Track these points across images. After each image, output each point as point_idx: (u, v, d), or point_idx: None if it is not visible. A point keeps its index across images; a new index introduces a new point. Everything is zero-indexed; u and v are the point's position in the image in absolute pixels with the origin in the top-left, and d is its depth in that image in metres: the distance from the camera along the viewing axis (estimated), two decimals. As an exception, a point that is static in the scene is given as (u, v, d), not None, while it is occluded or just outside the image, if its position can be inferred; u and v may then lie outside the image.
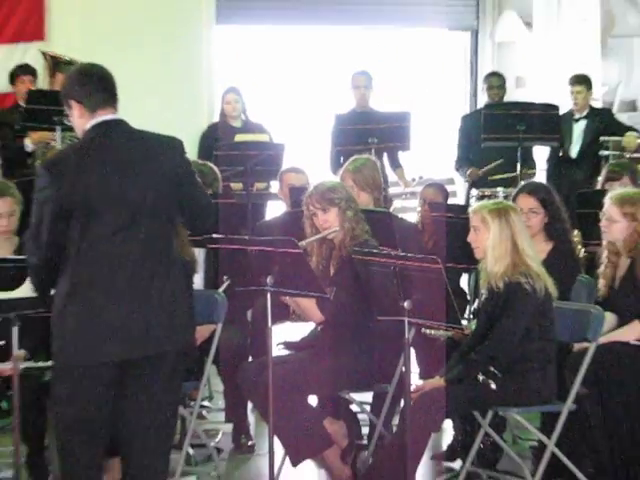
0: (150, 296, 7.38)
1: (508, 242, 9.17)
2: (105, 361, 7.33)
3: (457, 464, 9.86)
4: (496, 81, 18.05)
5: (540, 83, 20.74)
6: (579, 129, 17.00)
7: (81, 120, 7.56)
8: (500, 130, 15.95)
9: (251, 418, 10.89)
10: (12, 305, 8.02)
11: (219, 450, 10.62)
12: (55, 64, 15.17)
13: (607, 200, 10.08)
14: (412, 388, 9.29)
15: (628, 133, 16.97)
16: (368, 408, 10.34)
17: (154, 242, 7.49)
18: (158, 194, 7.44)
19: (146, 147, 7.61)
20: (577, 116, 17.18)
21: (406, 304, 8.74)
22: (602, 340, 9.43)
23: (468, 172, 15.85)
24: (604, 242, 10.07)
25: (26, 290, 7.84)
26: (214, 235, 9.85)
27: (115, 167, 7.38)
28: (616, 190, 10.75)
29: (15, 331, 8.28)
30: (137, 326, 7.32)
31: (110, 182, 7.32)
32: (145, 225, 7.41)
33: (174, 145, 7.58)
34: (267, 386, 9.15)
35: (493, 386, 9.06)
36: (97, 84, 7.62)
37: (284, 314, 9.77)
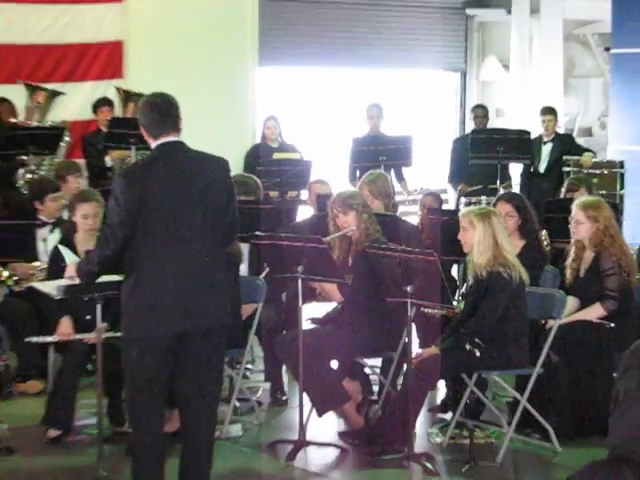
0: (200, 284, 7.65)
1: (490, 239, 9.29)
2: (164, 334, 7.57)
3: (448, 415, 9.94)
4: (481, 112, 18.21)
5: (516, 113, 20.81)
6: (546, 150, 17.05)
7: (149, 140, 7.78)
8: (483, 150, 16.03)
9: (285, 378, 10.95)
10: (96, 287, 8.09)
11: (260, 403, 10.72)
12: (127, 96, 15.28)
13: (574, 206, 10.21)
14: (413, 355, 9.44)
15: (585, 153, 17.19)
16: (378, 371, 10.43)
17: (204, 240, 7.70)
18: (208, 201, 7.68)
19: (199, 164, 7.81)
20: (545, 139, 17.22)
21: (409, 288, 8.95)
22: (571, 319, 9.76)
23: (459, 188, 16.02)
24: (572, 240, 10.19)
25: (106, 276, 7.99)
26: (257, 233, 10.07)
27: (173, 179, 7.60)
28: (581, 198, 10.97)
29: (99, 308, 8.35)
30: (190, 307, 7.59)
31: (168, 190, 7.54)
32: (198, 229, 7.65)
33: (223, 166, 7.78)
34: (298, 353, 9.34)
35: (478, 354, 9.19)
36: (160, 113, 7.80)
37: (311, 295, 9.88)
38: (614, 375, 9.64)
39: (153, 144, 7.78)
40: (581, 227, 10.01)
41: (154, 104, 7.87)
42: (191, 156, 7.84)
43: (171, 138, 7.73)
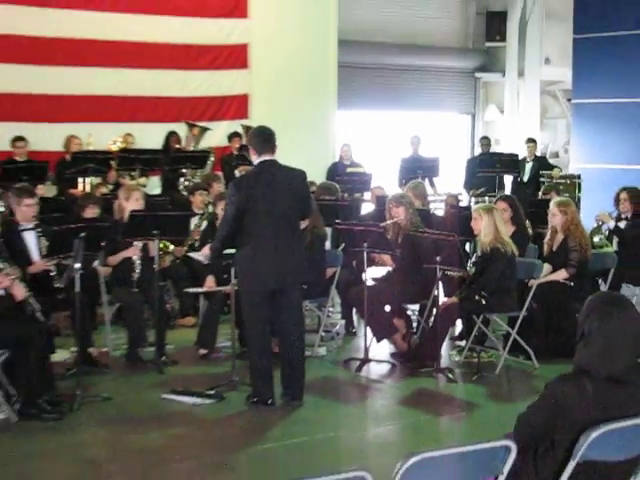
0: (287, 254, 7.95)
1: (492, 226, 9.26)
2: (265, 288, 7.92)
3: (463, 343, 9.88)
4: (485, 141, 18.16)
5: (508, 143, 20.71)
6: (529, 167, 16.99)
7: (253, 157, 8.05)
8: (487, 167, 15.92)
9: (354, 317, 10.92)
10: (230, 256, 8.10)
11: (338, 334, 10.76)
12: (248, 130, 15.27)
13: (551, 203, 10.28)
14: (440, 302, 9.40)
15: (555, 169, 17.30)
16: (417, 313, 10.39)
17: (290, 226, 8.05)
18: (291, 201, 8.01)
19: (285, 174, 8.10)
20: (528, 160, 17.15)
21: (437, 258, 8.92)
22: (546, 279, 9.71)
23: (471, 192, 15.91)
24: (550, 226, 10.12)
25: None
26: (337, 221, 10.17)
27: (268, 184, 7.93)
28: (556, 198, 11.23)
29: (232, 270, 8.36)
30: (281, 270, 7.92)
31: (266, 194, 7.87)
32: (285, 218, 7.96)
33: (301, 175, 8.17)
34: (363, 300, 9.36)
35: (483, 302, 9.17)
36: (263, 139, 8.04)
37: (372, 262, 9.86)
38: (576, 316, 9.60)
39: (256, 160, 8.13)
40: (555, 218, 9.96)
41: (260, 133, 8.24)
42: (280, 168, 8.12)
43: (268, 157, 8.03)
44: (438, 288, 9.44)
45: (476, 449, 4.15)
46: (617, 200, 11.66)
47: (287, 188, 8.03)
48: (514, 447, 4.15)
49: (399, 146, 17.61)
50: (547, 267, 9.81)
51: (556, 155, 21.58)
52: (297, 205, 8.12)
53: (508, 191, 15.30)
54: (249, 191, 7.91)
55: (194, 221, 11.00)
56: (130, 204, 10.08)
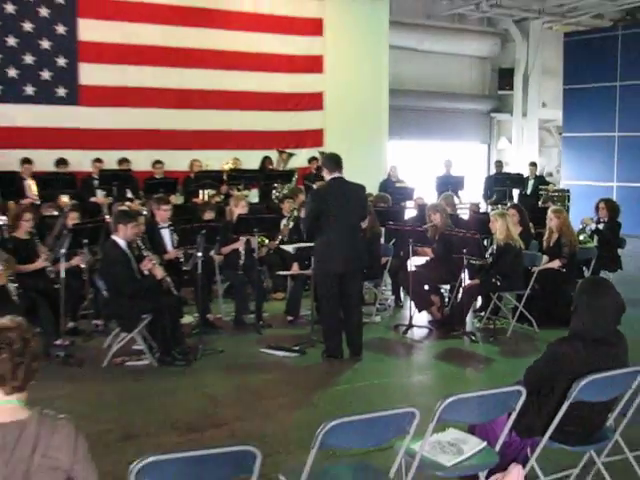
0: (351, 246, 7.96)
1: (505, 226, 9.20)
2: (335, 272, 7.93)
3: (482, 313, 9.77)
4: (498, 164, 17.98)
5: (515, 165, 20.47)
6: (531, 183, 16.82)
7: (326, 175, 8.07)
8: (500, 183, 15.80)
9: (402, 293, 10.85)
10: (310, 248, 8.13)
11: (389, 306, 10.69)
12: (323, 155, 15.22)
13: (549, 211, 10.15)
14: (465, 283, 9.34)
15: (550, 185, 17.18)
16: (448, 291, 10.29)
17: (353, 226, 8.06)
18: (355, 207, 8.05)
19: (352, 188, 8.10)
20: (530, 178, 16.98)
21: (464, 250, 8.85)
22: (544, 267, 9.56)
23: (488, 202, 15.72)
24: (547, 227, 10.02)
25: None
26: (389, 222, 10.11)
27: (337, 196, 7.95)
28: (552, 207, 10.94)
29: (312, 258, 8.37)
30: (346, 258, 7.91)
31: (335, 202, 7.89)
32: (349, 220, 7.99)
33: (362, 188, 8.25)
34: (408, 281, 9.29)
35: (498, 283, 9.08)
36: (334, 161, 8.06)
37: (415, 253, 9.75)
38: (568, 294, 9.53)
39: (328, 177, 8.12)
40: (552, 221, 9.87)
41: (331, 157, 8.28)
42: (346, 183, 8.12)
43: (337, 174, 8.03)
44: (464, 273, 9.44)
45: (496, 392, 4.15)
46: (597, 208, 11.63)
47: (351, 198, 8.04)
48: (524, 391, 4.16)
49: (434, 167, 17.45)
50: (545, 258, 9.70)
51: (550, 174, 21.38)
52: (359, 210, 8.17)
53: (516, 201, 15.13)
54: (322, 199, 8.00)
55: (283, 222, 10.95)
56: (238, 209, 10.15)
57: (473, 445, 4.30)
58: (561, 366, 4.40)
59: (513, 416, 4.24)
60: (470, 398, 4.01)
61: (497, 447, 4.32)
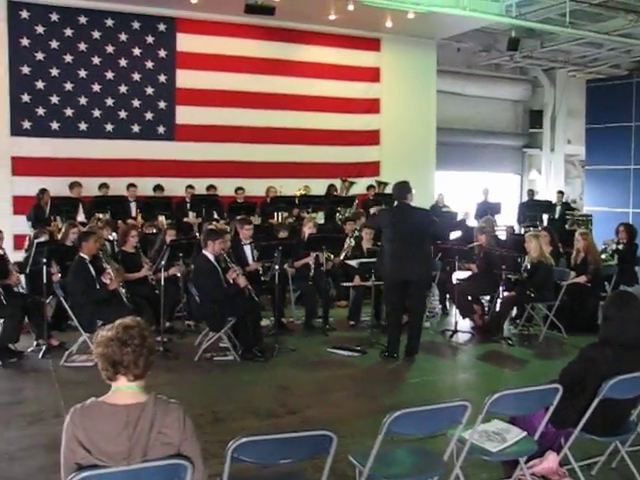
0: (415, 258, 7.77)
1: (538, 246, 9.09)
2: (400, 280, 7.79)
3: (518, 321, 9.64)
4: (530, 192, 17.71)
5: (544, 194, 20.15)
6: (558, 209, 16.51)
7: (395, 200, 8.10)
8: (532, 209, 15.63)
9: (447, 302, 10.74)
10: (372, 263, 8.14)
11: (437, 313, 10.58)
12: (379, 184, 15.19)
13: (576, 233, 10.11)
14: (503, 295, 9.24)
15: (575, 210, 16.88)
16: (488, 301, 10.17)
17: (415, 242, 7.83)
18: (416, 227, 7.87)
19: (412, 212, 8.02)
20: (558, 205, 16.68)
21: (503, 266, 8.73)
22: (572, 281, 9.48)
23: (521, 225, 15.28)
24: (575, 247, 9.91)
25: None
26: (438, 242, 9.96)
27: (398, 217, 7.93)
28: (579, 230, 10.88)
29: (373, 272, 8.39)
30: (411, 268, 7.74)
31: (395, 222, 7.88)
32: (410, 237, 7.84)
33: (425, 212, 8.25)
34: (454, 291, 9.21)
35: (532, 295, 8.97)
36: (402, 188, 8.05)
37: (460, 268, 9.65)
38: (593, 305, 9.51)
39: (396, 202, 7.94)
40: (579, 242, 9.78)
41: (400, 184, 8.09)
42: (409, 207, 8.05)
43: (402, 200, 7.92)
44: (502, 285, 9.32)
45: (536, 389, 4.13)
46: (617, 231, 11.49)
47: (412, 219, 7.91)
48: (561, 388, 4.12)
49: (474, 195, 17.23)
50: (572, 274, 9.59)
51: (574, 201, 20.90)
52: (422, 230, 7.97)
53: (545, 225, 14.89)
54: (383, 219, 8.01)
55: (347, 241, 10.89)
56: (308, 229, 10.21)
57: (515, 434, 4.29)
58: (592, 368, 4.37)
59: (551, 410, 4.20)
60: (515, 394, 3.98)
61: (536, 437, 4.29)
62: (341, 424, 5.76)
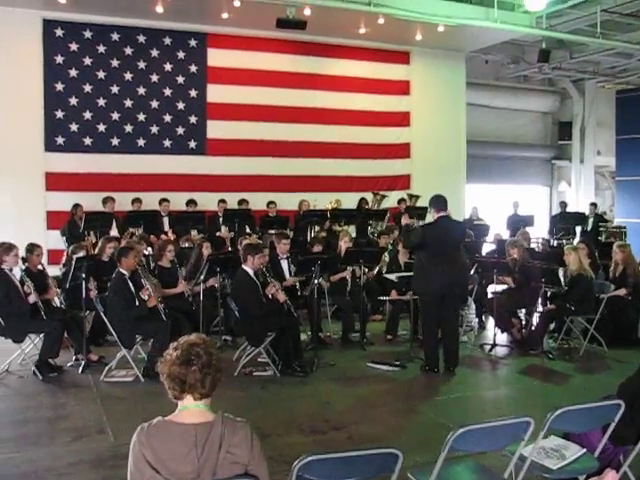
0: (452, 270, 7.74)
1: (577, 259, 9.00)
2: (436, 292, 7.74)
3: (555, 335, 9.52)
4: (563, 205, 17.41)
5: (574, 206, 19.96)
6: (591, 221, 16.39)
7: (433, 213, 7.95)
8: (565, 221, 15.52)
9: (483, 316, 10.63)
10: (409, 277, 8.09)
11: (473, 327, 10.47)
12: (411, 197, 15.11)
13: (615, 245, 9.98)
14: (541, 309, 9.13)
15: (608, 222, 16.85)
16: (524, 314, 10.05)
17: (454, 255, 7.82)
18: (456, 240, 7.97)
19: (453, 224, 8.09)
20: (590, 216, 16.54)
21: (543, 279, 8.63)
22: (612, 294, 9.40)
23: (555, 237, 15.17)
24: (613, 260, 9.79)
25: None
26: (475, 255, 9.87)
27: (440, 231, 7.84)
28: (618, 242, 10.69)
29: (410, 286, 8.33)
30: (447, 280, 7.72)
31: (438, 235, 7.79)
32: (450, 250, 7.84)
33: (463, 225, 8.35)
34: (492, 305, 9.07)
35: (572, 308, 8.85)
36: (440, 201, 7.97)
37: (499, 281, 9.55)
38: (632, 317, 9.40)
39: (435, 216, 7.96)
40: (617, 255, 9.69)
41: (438, 198, 8.08)
42: (450, 220, 8.05)
43: (443, 213, 7.91)
44: (541, 298, 9.23)
45: (598, 405, 4.05)
46: None
47: (453, 232, 7.95)
48: (623, 404, 4.03)
49: (503, 207, 17.10)
50: (612, 286, 9.49)
51: (605, 213, 20.76)
52: (460, 242, 8.04)
53: (578, 237, 14.78)
54: (427, 233, 7.88)
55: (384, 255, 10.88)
56: (344, 243, 10.17)
57: (574, 451, 4.20)
58: (652, 383, 4.27)
59: (612, 426, 4.11)
60: (577, 410, 3.90)
61: (596, 454, 4.20)
62: (387, 440, 5.71)
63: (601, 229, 15.84)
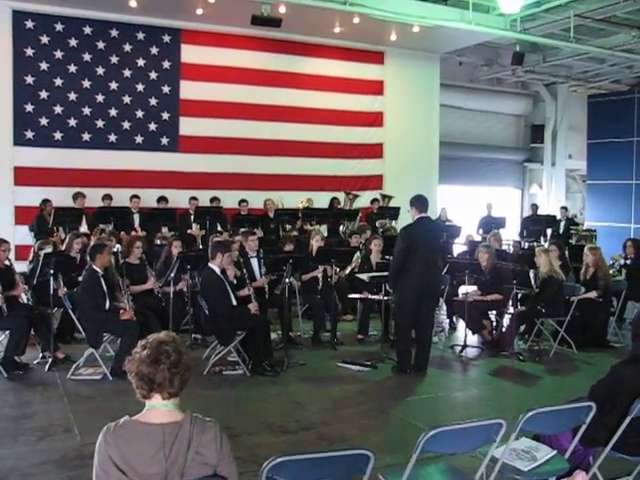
0: (430, 277, 7.80)
1: (547, 261, 9.08)
2: (413, 300, 7.77)
3: (525, 337, 9.56)
4: (534, 207, 17.48)
5: (545, 208, 20.10)
6: (562, 224, 16.54)
7: (415, 214, 7.91)
8: (536, 224, 15.61)
9: (454, 318, 10.64)
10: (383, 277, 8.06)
11: (444, 328, 10.46)
12: (384, 197, 15.11)
13: (586, 248, 10.01)
14: (512, 310, 9.13)
15: (579, 225, 16.90)
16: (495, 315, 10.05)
17: (433, 259, 7.93)
18: (436, 243, 8.06)
19: (434, 226, 8.15)
20: (562, 219, 16.70)
21: (515, 281, 8.65)
22: (582, 296, 9.40)
23: (525, 239, 15.22)
24: (584, 262, 9.83)
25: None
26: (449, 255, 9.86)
27: (423, 231, 7.78)
28: (588, 245, 10.75)
29: (383, 287, 8.29)
30: (424, 287, 7.73)
31: (423, 239, 7.73)
32: (431, 253, 7.86)
33: (441, 227, 8.14)
34: (463, 307, 9.07)
35: (543, 310, 8.89)
36: (422, 202, 8.00)
37: (467, 282, 9.54)
38: (602, 320, 9.52)
39: (416, 216, 7.92)
40: (588, 257, 9.74)
41: (420, 198, 8.00)
42: (431, 221, 8.13)
43: (424, 214, 7.91)
44: (512, 300, 9.22)
45: (570, 407, 4.05)
46: (624, 246, 11.61)
47: (434, 235, 8.00)
48: (594, 406, 4.03)
49: (475, 208, 17.19)
50: (583, 289, 9.52)
51: (575, 216, 20.96)
52: (439, 245, 8.07)
53: (549, 239, 14.89)
54: (411, 238, 7.78)
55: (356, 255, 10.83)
56: (315, 242, 10.12)
57: (544, 453, 4.20)
58: (623, 385, 4.27)
59: (583, 428, 4.11)
60: (548, 412, 3.89)
61: (566, 455, 4.20)
62: (356, 440, 5.70)
63: (572, 232, 15.97)
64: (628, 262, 11.33)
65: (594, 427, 4.26)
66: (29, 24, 12.96)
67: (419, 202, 7.96)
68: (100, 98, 13.65)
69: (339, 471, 3.17)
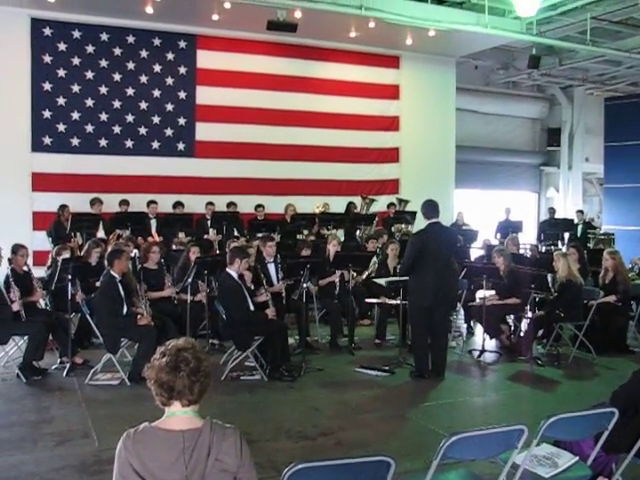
0: (443, 282, 7.71)
1: (566, 265, 8.96)
2: (427, 304, 7.69)
3: (544, 341, 9.49)
4: (551, 211, 17.42)
5: (562, 212, 19.97)
6: (580, 228, 16.40)
7: (425, 220, 7.82)
8: (553, 228, 15.51)
9: (472, 322, 10.57)
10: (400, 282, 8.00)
11: (461, 333, 10.38)
12: (400, 201, 15.07)
13: (605, 252, 9.93)
14: (530, 314, 9.06)
15: (597, 229, 16.91)
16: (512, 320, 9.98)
17: (447, 264, 7.81)
18: (449, 247, 7.89)
19: (445, 232, 8.05)
20: (579, 223, 16.57)
21: (533, 285, 8.58)
22: (601, 300, 9.27)
23: (542, 243, 15.24)
24: (603, 266, 9.75)
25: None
26: (465, 260, 9.80)
27: (434, 237, 7.71)
28: (608, 249, 10.68)
29: (401, 290, 8.26)
30: (438, 292, 7.68)
31: (433, 243, 7.67)
32: (443, 259, 7.78)
33: (455, 232, 8.37)
34: (481, 312, 9.01)
35: (562, 315, 8.81)
36: (431, 207, 7.89)
37: (489, 287, 9.48)
38: (621, 324, 9.42)
39: (426, 222, 7.87)
40: (607, 261, 9.65)
41: (430, 203, 7.92)
42: (442, 227, 8.02)
43: (434, 219, 7.81)
44: (529, 305, 9.17)
45: (593, 412, 3.99)
46: None
47: (446, 240, 7.90)
48: (617, 412, 3.97)
49: (492, 212, 17.11)
50: (602, 293, 9.43)
51: (592, 220, 20.85)
52: (451, 251, 8.01)
53: (567, 243, 14.78)
54: (422, 243, 7.75)
55: (373, 259, 10.79)
56: (332, 247, 10.09)
57: (566, 459, 4.14)
58: (646, 390, 4.22)
59: (605, 434, 4.05)
60: (571, 417, 3.83)
61: (588, 462, 4.14)
62: (376, 446, 5.65)
63: (589, 236, 15.86)
64: (648, 265, 11.26)
65: (617, 433, 4.20)
66: (47, 31, 13.08)
67: (427, 209, 7.93)
68: (117, 104, 13.74)
69: (360, 478, 3.13)
